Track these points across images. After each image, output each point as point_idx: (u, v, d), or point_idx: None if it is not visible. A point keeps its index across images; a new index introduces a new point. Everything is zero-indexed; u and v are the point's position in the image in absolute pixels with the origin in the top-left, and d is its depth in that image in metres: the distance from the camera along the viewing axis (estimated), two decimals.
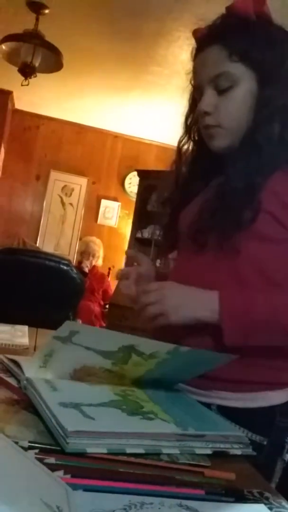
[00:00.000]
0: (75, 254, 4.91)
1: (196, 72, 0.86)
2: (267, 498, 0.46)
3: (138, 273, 0.90)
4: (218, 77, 0.81)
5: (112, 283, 4.52)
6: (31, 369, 0.66)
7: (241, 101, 0.82)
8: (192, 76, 0.88)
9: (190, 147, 0.95)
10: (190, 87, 0.90)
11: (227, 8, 0.84)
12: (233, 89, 0.81)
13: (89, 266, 4.50)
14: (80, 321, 3.69)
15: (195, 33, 0.87)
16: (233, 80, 0.81)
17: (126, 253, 1.17)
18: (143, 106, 4.24)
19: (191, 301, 0.77)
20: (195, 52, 0.86)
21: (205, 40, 0.84)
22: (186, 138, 0.94)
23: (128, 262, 0.94)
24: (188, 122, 0.93)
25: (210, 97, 0.83)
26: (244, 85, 0.81)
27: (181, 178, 0.96)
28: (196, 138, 0.94)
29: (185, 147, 0.95)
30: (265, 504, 0.45)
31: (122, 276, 0.90)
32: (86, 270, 4.44)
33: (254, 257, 0.79)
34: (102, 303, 4.41)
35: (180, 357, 0.67)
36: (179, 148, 0.95)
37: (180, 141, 0.95)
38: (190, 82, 0.89)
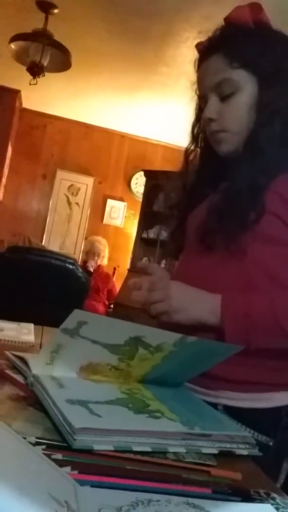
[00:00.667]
0: (81, 254, 4.93)
1: (200, 82, 0.90)
2: (273, 499, 0.46)
3: (150, 282, 0.90)
4: (220, 84, 0.84)
5: (117, 283, 4.52)
6: (38, 366, 0.66)
7: (244, 105, 0.84)
8: (197, 86, 0.91)
9: (198, 155, 0.98)
10: (195, 97, 0.93)
11: (225, 19, 0.87)
12: (235, 94, 0.84)
13: (94, 265, 4.50)
14: None
15: (198, 46, 0.90)
16: (235, 86, 0.84)
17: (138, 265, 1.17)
18: (150, 107, 4.24)
19: (194, 302, 0.78)
20: (198, 63, 0.89)
21: (206, 51, 0.87)
22: (193, 146, 0.97)
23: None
24: (195, 131, 0.97)
25: (213, 104, 0.86)
26: (246, 90, 0.84)
27: (188, 184, 0.99)
28: (203, 145, 0.96)
29: (192, 155, 0.98)
30: (272, 504, 0.45)
31: (134, 286, 0.90)
32: (91, 269, 4.45)
33: (260, 258, 0.80)
34: (107, 302, 4.41)
35: (187, 348, 0.67)
36: (186, 157, 0.98)
37: (187, 150, 0.98)
38: (196, 92, 0.92)
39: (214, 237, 0.82)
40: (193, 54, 0.92)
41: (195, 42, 0.92)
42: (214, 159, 0.91)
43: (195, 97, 0.93)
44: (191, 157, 0.98)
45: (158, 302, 0.77)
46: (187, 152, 0.98)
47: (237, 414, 0.75)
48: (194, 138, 0.97)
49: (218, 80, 0.84)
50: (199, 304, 0.78)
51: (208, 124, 0.87)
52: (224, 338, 0.74)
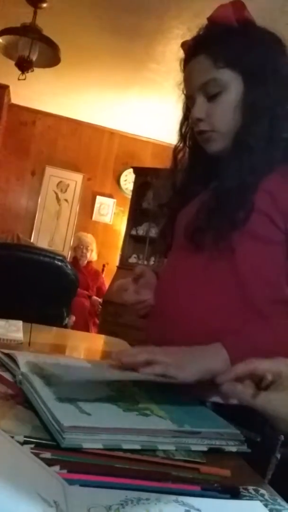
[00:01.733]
0: (69, 251, 4.91)
1: (186, 82, 0.89)
2: (262, 495, 0.47)
3: (135, 283, 0.91)
4: (206, 84, 0.84)
5: (106, 280, 4.51)
6: (28, 365, 0.66)
7: (231, 104, 0.84)
8: (184, 86, 0.91)
9: (186, 154, 0.97)
10: (183, 96, 0.93)
11: (209, 19, 0.87)
12: (222, 94, 0.84)
13: (85, 260, 4.49)
14: (74, 318, 3.68)
15: (183, 45, 0.90)
16: (221, 85, 0.83)
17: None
18: (140, 103, 4.23)
19: (198, 356, 0.74)
20: (184, 63, 0.89)
21: (191, 51, 0.87)
22: (181, 144, 0.97)
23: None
24: (183, 130, 0.96)
25: (201, 104, 0.86)
26: (233, 89, 0.84)
27: (178, 182, 0.98)
28: (192, 144, 0.96)
29: (181, 154, 0.97)
30: (261, 501, 0.45)
31: (119, 288, 0.91)
32: (84, 263, 4.45)
33: (249, 257, 0.80)
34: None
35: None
36: (175, 155, 0.97)
37: (176, 148, 0.98)
38: (183, 91, 0.92)
39: (203, 235, 0.82)
40: (182, 53, 0.92)
41: (180, 44, 0.92)
42: (203, 158, 0.91)
43: (183, 96, 0.93)
44: (179, 155, 0.97)
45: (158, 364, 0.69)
46: (175, 150, 0.97)
47: (225, 410, 0.75)
48: (183, 136, 0.97)
49: (204, 80, 0.84)
50: (204, 356, 0.73)
51: (197, 124, 0.87)
52: None
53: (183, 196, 0.95)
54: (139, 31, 3.04)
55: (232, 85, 0.83)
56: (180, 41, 0.96)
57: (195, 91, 0.86)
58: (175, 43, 3.00)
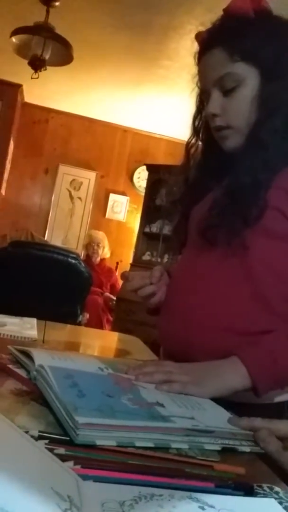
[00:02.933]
0: (83, 248, 4.93)
1: (201, 76, 0.88)
2: (277, 493, 0.46)
3: (142, 276, 0.90)
4: (222, 78, 0.82)
5: (120, 278, 4.52)
6: (43, 359, 0.66)
7: (247, 99, 0.82)
8: (198, 80, 0.89)
9: (199, 148, 0.96)
10: (196, 89, 0.92)
11: (225, 10, 0.85)
12: (238, 88, 0.82)
13: (97, 257, 4.51)
14: (88, 315, 3.70)
15: (197, 37, 0.88)
16: (237, 79, 0.82)
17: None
18: (153, 100, 4.22)
19: (216, 373, 0.73)
20: (198, 56, 0.87)
21: (206, 43, 0.85)
22: (194, 139, 0.96)
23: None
24: (196, 124, 0.95)
25: (216, 99, 0.84)
26: (249, 83, 0.82)
27: (191, 178, 0.97)
28: (205, 138, 0.95)
29: (193, 149, 0.96)
30: (275, 498, 0.45)
31: (126, 279, 0.91)
32: (97, 261, 4.46)
33: (262, 254, 0.79)
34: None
35: None
36: (187, 150, 0.96)
37: (188, 143, 0.96)
38: (197, 84, 0.91)
39: (216, 232, 0.81)
40: (195, 47, 0.90)
41: (194, 35, 0.91)
42: (216, 153, 0.90)
43: (196, 90, 0.92)
44: (192, 150, 0.96)
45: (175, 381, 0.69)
46: (188, 145, 0.96)
47: (239, 409, 0.74)
48: (196, 131, 0.95)
49: (220, 74, 0.82)
50: (221, 373, 0.72)
51: (212, 120, 0.86)
52: (257, 393, 0.73)
53: (196, 192, 0.94)
54: (151, 27, 3.03)
55: (248, 79, 0.81)
56: (192, 36, 0.94)
57: (210, 86, 0.85)
58: (187, 39, 2.98)
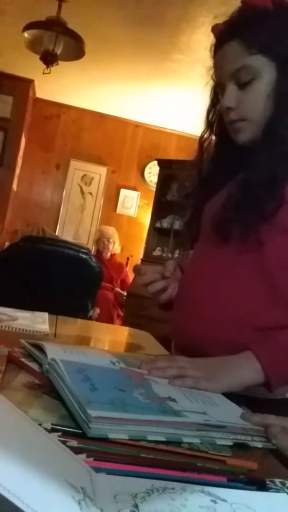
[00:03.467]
0: (93, 244, 4.95)
1: (217, 68, 0.87)
2: None
3: (154, 270, 0.90)
4: (238, 71, 0.81)
5: (130, 273, 4.53)
6: (56, 352, 0.67)
7: (263, 93, 0.81)
8: (214, 72, 0.88)
9: (213, 142, 0.95)
10: (211, 82, 0.91)
11: (243, 1, 0.84)
12: (254, 82, 0.81)
13: (107, 252, 4.52)
14: (98, 310, 3.72)
15: (214, 29, 0.87)
16: (253, 73, 0.81)
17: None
18: (164, 95, 4.20)
19: (229, 368, 0.72)
20: (214, 48, 0.86)
21: (223, 36, 0.84)
22: (208, 133, 0.95)
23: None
24: (210, 117, 0.94)
25: (231, 92, 0.83)
26: (265, 76, 0.81)
27: (204, 172, 0.96)
28: (219, 132, 0.94)
29: (207, 142, 0.95)
30: (287, 493, 0.45)
31: (138, 272, 0.91)
32: (108, 256, 4.47)
33: (277, 249, 0.79)
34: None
35: None
36: (201, 143, 0.95)
37: (202, 136, 0.95)
38: (212, 78, 0.90)
39: (230, 227, 0.80)
40: (208, 40, 0.89)
41: (211, 28, 0.90)
42: (230, 147, 0.89)
43: (211, 83, 0.91)
44: (205, 144, 0.96)
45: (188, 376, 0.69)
46: (201, 138, 0.95)
47: (252, 404, 0.74)
48: (209, 124, 0.95)
49: (236, 67, 0.81)
50: (235, 367, 0.72)
51: (227, 113, 0.85)
52: (270, 388, 0.72)
53: (210, 186, 0.93)
54: (163, 20, 3.01)
55: (265, 72, 0.80)
56: (205, 29, 0.94)
57: (226, 78, 0.84)
58: (200, 32, 2.96)
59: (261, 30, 0.80)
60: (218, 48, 0.85)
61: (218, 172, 0.93)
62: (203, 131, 0.96)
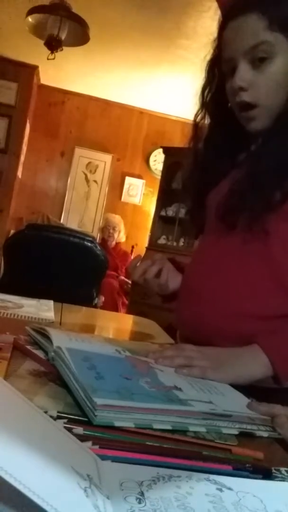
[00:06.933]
0: (98, 232, 4.94)
1: (228, 43, 0.79)
2: None
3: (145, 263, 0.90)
4: (255, 48, 0.75)
5: None
6: (61, 340, 0.67)
7: (278, 75, 0.76)
8: (223, 47, 0.81)
9: (207, 122, 0.90)
10: (208, 56, 0.85)
11: None
12: (270, 61, 0.76)
13: (113, 241, 4.51)
14: (103, 298, 3.73)
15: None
16: (271, 51, 0.75)
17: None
18: (170, 81, 4.15)
19: (236, 360, 0.72)
20: (225, 19, 0.79)
21: (238, 7, 0.77)
22: (203, 112, 0.90)
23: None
24: (205, 96, 0.89)
25: (245, 72, 0.77)
26: (282, 57, 0.76)
27: (201, 156, 0.92)
28: (214, 113, 0.89)
29: (202, 122, 0.91)
30: None
31: (131, 273, 0.91)
32: (112, 245, 4.47)
33: (284, 238, 0.77)
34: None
35: None
36: (195, 124, 0.91)
37: (196, 116, 0.90)
38: (214, 49, 0.84)
39: (236, 216, 0.79)
40: (215, 26, 0.83)
41: (217, 12, 0.85)
42: (229, 130, 0.85)
43: (208, 57, 0.85)
44: (200, 125, 0.90)
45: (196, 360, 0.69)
46: (196, 118, 0.90)
47: (259, 393, 0.74)
48: (204, 104, 0.89)
49: (254, 43, 0.75)
50: (242, 359, 0.71)
51: (238, 94, 0.79)
52: (278, 381, 0.72)
53: (211, 173, 0.90)
54: (169, 4, 2.96)
55: (283, 53, 0.75)
56: (212, 14, 0.90)
57: (240, 55, 0.77)
58: (207, 17, 2.91)
59: (284, 6, 0.74)
60: (230, 20, 0.78)
61: (217, 156, 0.89)
62: (197, 112, 0.90)
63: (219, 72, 0.86)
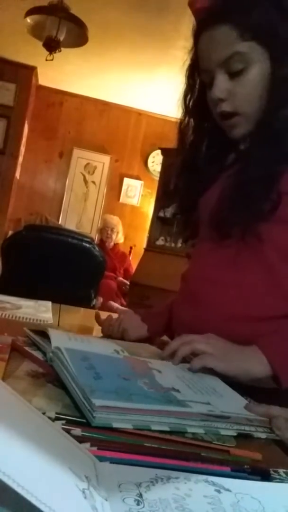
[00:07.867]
0: (97, 233, 4.94)
1: (202, 54, 0.80)
2: None
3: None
4: (229, 59, 0.76)
5: (134, 262, 4.53)
6: (60, 340, 0.67)
7: (256, 82, 0.76)
8: (199, 57, 0.81)
9: (192, 129, 0.91)
10: (187, 63, 0.85)
11: None
12: (246, 70, 0.76)
13: (111, 242, 4.51)
14: (101, 299, 3.72)
15: (192, 4, 0.79)
16: (246, 61, 0.75)
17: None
18: (169, 83, 4.15)
19: (237, 354, 0.72)
20: (198, 30, 0.79)
21: (210, 18, 0.77)
22: (186, 120, 0.90)
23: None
24: (187, 102, 0.88)
25: (222, 82, 0.77)
26: (258, 65, 0.76)
27: (189, 162, 0.92)
28: (198, 118, 0.89)
29: (187, 129, 0.90)
30: None
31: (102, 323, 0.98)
32: (110, 246, 4.46)
33: (278, 242, 0.78)
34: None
35: None
36: (180, 131, 0.90)
37: (181, 123, 0.90)
38: (190, 57, 0.84)
39: (229, 228, 0.78)
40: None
41: (192, 19, 0.81)
42: (213, 134, 0.85)
43: (187, 64, 0.85)
44: (185, 131, 0.90)
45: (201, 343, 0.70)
46: (180, 125, 0.89)
47: (257, 393, 0.74)
48: (188, 110, 0.88)
49: (228, 54, 0.75)
50: (244, 356, 0.71)
51: (218, 105, 0.79)
52: (279, 383, 0.71)
53: (200, 177, 0.89)
54: (168, 6, 2.96)
55: (257, 60, 0.75)
56: None
57: (215, 66, 0.77)
58: None
59: (254, 13, 0.74)
60: (203, 31, 0.77)
61: (205, 161, 0.88)
62: (181, 118, 0.89)
63: (199, 77, 0.86)
